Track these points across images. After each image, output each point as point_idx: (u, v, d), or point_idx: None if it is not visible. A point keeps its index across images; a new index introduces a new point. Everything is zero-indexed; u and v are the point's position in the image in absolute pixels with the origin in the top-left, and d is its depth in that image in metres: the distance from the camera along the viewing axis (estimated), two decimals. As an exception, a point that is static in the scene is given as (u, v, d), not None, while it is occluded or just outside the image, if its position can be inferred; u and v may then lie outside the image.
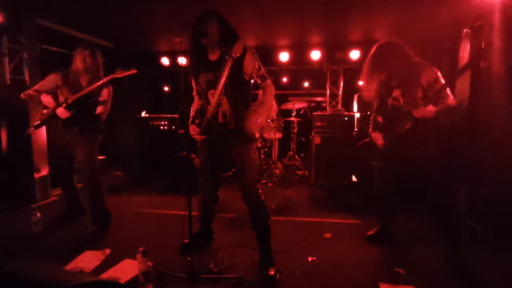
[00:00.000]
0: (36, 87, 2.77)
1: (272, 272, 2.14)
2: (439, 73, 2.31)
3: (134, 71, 2.67)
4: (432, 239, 2.72)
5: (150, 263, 2.04)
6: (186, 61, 2.39)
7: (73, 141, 2.78)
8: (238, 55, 2.02)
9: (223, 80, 2.04)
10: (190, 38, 2.17)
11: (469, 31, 3.23)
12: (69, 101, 2.64)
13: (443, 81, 2.29)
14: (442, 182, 2.40)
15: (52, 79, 2.78)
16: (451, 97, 2.29)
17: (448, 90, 2.27)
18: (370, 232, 2.79)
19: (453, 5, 3.19)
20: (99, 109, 2.77)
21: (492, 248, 2.61)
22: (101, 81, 2.65)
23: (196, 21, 2.11)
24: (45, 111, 2.74)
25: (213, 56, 2.19)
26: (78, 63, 2.73)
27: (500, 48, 2.87)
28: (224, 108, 2.15)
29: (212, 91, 2.14)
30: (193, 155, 2.49)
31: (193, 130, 2.26)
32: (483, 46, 3.07)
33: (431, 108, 2.24)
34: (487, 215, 2.98)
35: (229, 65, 2.02)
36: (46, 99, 2.68)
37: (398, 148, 2.47)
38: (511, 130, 2.81)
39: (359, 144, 3.65)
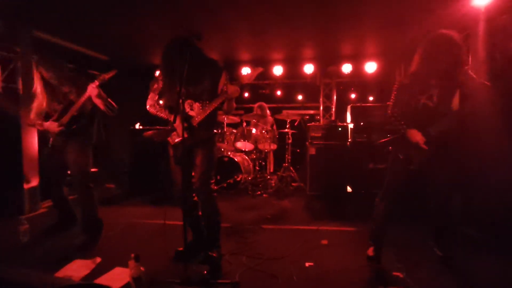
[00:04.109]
0: (34, 110, 2.79)
1: (214, 254, 2.36)
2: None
3: (114, 72, 2.70)
4: (430, 244, 2.69)
5: (142, 269, 1.98)
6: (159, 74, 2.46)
7: (64, 147, 2.76)
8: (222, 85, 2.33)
9: (220, 100, 2.28)
10: (163, 59, 2.31)
11: (456, 41, 3.34)
12: (64, 122, 2.71)
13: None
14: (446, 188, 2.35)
15: (39, 92, 2.80)
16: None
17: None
18: (370, 253, 2.45)
19: (439, 15, 3.32)
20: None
21: (488, 253, 2.60)
22: (82, 100, 2.67)
23: (170, 48, 2.25)
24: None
25: (189, 71, 2.28)
26: (44, 75, 2.75)
27: (484, 57, 2.96)
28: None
29: (190, 101, 2.35)
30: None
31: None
32: (469, 56, 3.17)
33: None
34: (482, 221, 2.98)
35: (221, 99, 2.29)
36: (52, 126, 2.72)
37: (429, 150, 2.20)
38: (498, 136, 2.86)
39: (379, 142, 3.19)
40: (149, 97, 2.48)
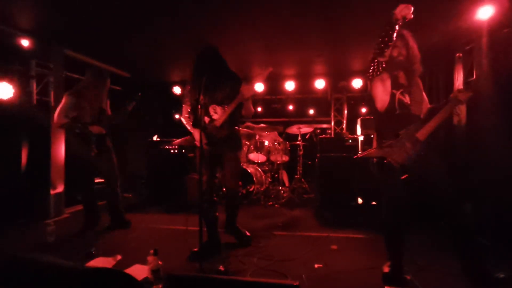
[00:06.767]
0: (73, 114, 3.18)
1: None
2: None
3: (134, 104, 3.34)
4: (439, 249, 2.73)
5: (160, 262, 2.12)
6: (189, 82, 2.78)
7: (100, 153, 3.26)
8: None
9: (237, 101, 2.61)
10: (193, 68, 2.66)
11: (461, 54, 3.47)
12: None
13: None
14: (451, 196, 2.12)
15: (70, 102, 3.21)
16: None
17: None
18: (385, 270, 2.23)
19: (443, 29, 3.46)
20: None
21: (501, 262, 2.59)
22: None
23: (198, 58, 2.61)
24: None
25: (213, 79, 2.56)
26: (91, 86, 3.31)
27: (488, 70, 3.07)
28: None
29: (214, 105, 2.68)
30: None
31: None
32: (474, 68, 3.29)
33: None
34: (494, 230, 2.98)
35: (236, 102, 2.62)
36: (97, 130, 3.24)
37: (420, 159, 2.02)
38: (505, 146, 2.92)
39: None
40: (183, 109, 2.84)
